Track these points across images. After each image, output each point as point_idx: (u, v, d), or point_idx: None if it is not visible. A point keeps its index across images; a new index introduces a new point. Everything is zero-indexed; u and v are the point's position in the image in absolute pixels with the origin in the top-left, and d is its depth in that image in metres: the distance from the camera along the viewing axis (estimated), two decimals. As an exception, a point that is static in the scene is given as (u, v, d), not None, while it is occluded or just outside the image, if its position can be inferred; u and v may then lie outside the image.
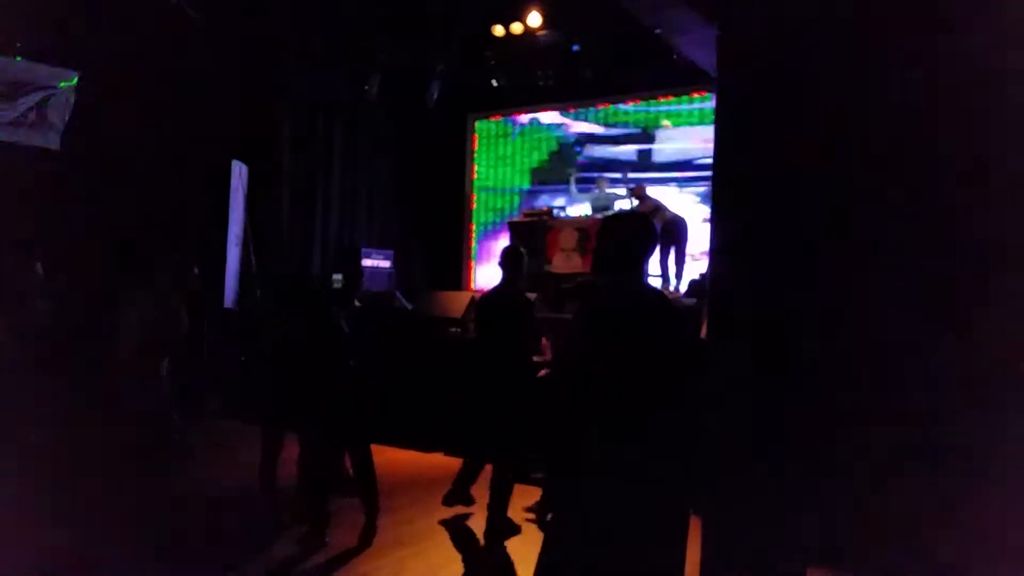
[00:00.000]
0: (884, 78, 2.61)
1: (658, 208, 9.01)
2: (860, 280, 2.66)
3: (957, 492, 2.48)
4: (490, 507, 4.71)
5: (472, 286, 12.08)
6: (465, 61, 11.03)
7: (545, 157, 11.96)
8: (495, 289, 4.94)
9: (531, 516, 5.11)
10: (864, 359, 2.67)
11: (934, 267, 2.55)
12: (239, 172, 9.02)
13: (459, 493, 5.13)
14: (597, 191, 10.04)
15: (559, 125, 11.81)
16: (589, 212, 9.93)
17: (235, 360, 8.41)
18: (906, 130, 2.58)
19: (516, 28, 10.16)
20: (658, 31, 7.78)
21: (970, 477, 2.46)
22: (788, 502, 2.68)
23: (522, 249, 5.03)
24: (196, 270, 6.60)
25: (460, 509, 5.16)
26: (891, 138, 2.61)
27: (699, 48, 7.82)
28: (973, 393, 2.46)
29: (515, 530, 4.78)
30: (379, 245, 11.21)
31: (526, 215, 10.24)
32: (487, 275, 12.14)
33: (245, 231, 9.14)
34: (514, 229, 9.96)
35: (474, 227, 12.54)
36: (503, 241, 10.78)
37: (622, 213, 2.23)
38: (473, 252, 12.52)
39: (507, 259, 4.90)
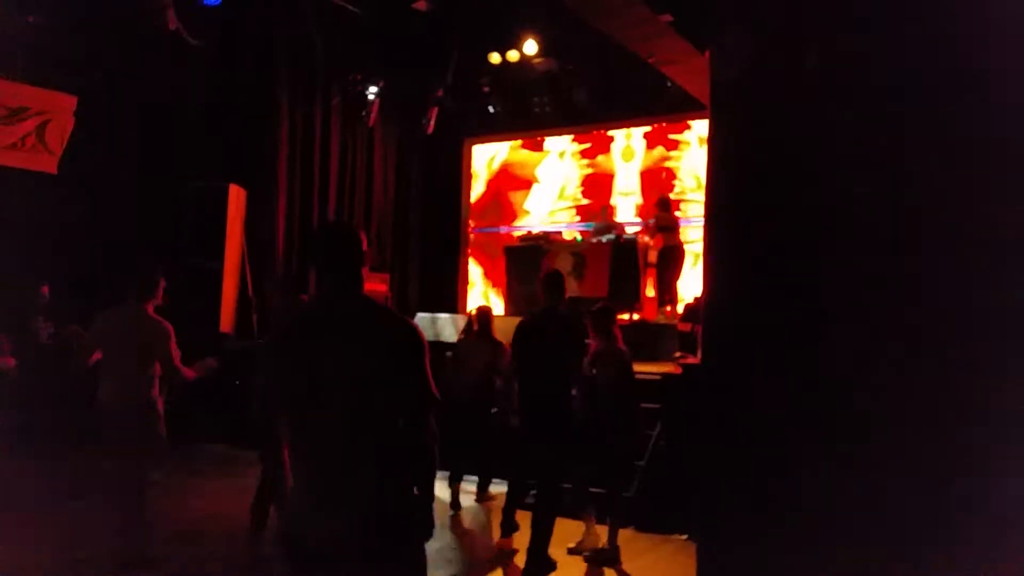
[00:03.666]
0: (880, 104, 2.64)
1: (674, 226, 8.99)
2: (858, 306, 2.67)
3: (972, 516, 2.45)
4: (532, 544, 4.60)
5: (467, 310, 12.06)
6: (462, 88, 11.14)
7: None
8: (540, 312, 4.88)
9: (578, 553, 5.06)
10: (861, 384, 2.68)
11: (933, 296, 2.55)
12: (237, 196, 9.05)
13: (507, 521, 5.11)
14: (602, 220, 10.07)
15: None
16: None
17: (230, 385, 8.35)
18: (903, 151, 2.60)
19: (512, 56, 10.27)
20: (651, 58, 7.91)
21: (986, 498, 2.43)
22: (784, 525, 2.68)
23: (561, 272, 5.07)
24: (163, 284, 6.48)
25: (504, 543, 5.12)
26: (883, 162, 2.63)
27: (691, 76, 7.96)
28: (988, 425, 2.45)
29: (552, 566, 4.67)
30: (375, 268, 11.22)
31: (522, 240, 10.26)
32: (482, 301, 12.13)
33: (242, 255, 9.14)
34: (510, 254, 9.97)
35: (470, 251, 12.57)
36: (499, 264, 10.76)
37: (336, 223, 2.43)
38: (469, 276, 12.54)
39: (549, 283, 4.89)
